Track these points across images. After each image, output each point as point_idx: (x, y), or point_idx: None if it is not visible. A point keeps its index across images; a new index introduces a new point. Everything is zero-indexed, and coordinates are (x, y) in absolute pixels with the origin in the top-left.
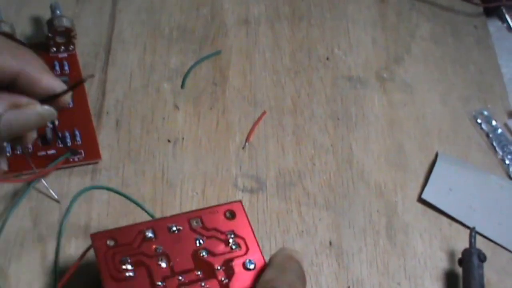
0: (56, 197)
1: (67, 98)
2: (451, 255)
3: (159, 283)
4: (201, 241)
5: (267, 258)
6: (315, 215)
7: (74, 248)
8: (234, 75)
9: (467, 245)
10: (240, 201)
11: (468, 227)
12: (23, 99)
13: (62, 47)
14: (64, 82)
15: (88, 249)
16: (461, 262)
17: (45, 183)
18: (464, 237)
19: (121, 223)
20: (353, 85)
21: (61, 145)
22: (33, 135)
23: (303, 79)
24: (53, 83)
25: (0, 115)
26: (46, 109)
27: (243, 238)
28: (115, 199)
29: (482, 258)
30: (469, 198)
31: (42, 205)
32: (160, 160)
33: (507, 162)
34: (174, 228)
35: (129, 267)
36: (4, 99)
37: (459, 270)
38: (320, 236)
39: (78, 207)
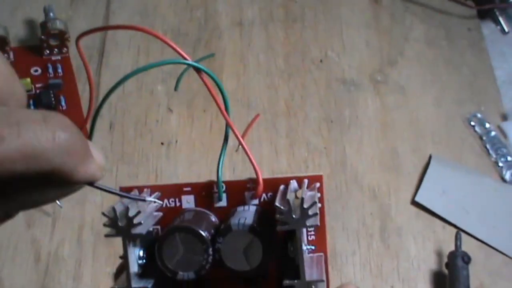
0: (58, 202)
1: (101, 177)
2: (444, 257)
3: None
4: None
5: None
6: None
7: (68, 251)
8: (228, 78)
9: None
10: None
11: (462, 230)
12: None
13: (56, 50)
14: (58, 84)
15: None
16: (448, 265)
17: None
18: (461, 239)
19: None
20: (346, 88)
21: None
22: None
23: (297, 81)
24: (89, 170)
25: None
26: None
27: None
28: (109, 201)
29: (466, 260)
30: (462, 200)
31: (36, 208)
32: (154, 163)
33: (500, 164)
34: None
35: None
36: None
37: None
38: None
39: (71, 210)
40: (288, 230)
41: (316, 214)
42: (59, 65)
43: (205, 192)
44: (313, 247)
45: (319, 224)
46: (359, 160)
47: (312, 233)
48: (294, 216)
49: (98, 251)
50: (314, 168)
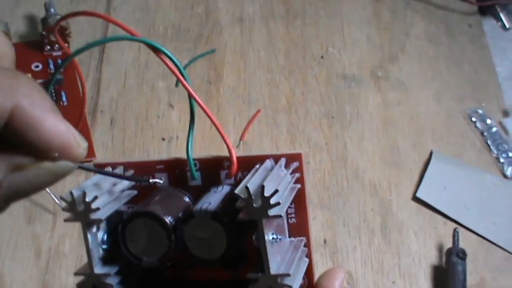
0: (54, 198)
1: (83, 151)
2: (445, 253)
3: None
4: None
5: None
6: (309, 214)
7: (69, 247)
8: (229, 74)
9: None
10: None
11: (462, 226)
12: (26, 159)
13: (57, 45)
14: (59, 80)
15: None
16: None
17: None
18: (459, 236)
19: None
20: (347, 84)
21: None
22: None
23: (298, 77)
24: (60, 128)
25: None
26: (61, 165)
27: None
28: None
29: (461, 255)
30: (463, 196)
31: (36, 204)
32: (155, 159)
33: (501, 160)
34: None
35: None
36: (1, 160)
37: None
38: (315, 235)
39: None
40: (249, 220)
41: (278, 203)
42: (60, 61)
43: (178, 170)
44: (280, 237)
45: (282, 215)
46: (360, 156)
47: (293, 216)
48: (254, 205)
49: None
50: (315, 164)
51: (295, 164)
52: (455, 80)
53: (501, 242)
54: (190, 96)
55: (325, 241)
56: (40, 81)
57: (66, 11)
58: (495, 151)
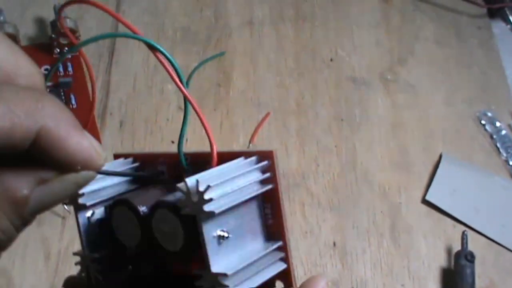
0: (66, 207)
1: (103, 162)
2: (454, 256)
3: None
4: None
5: None
6: (319, 216)
7: (78, 249)
8: (238, 76)
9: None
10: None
11: (471, 228)
12: (51, 173)
13: (66, 48)
14: (68, 83)
15: None
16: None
17: None
18: (467, 238)
19: None
20: (357, 87)
21: None
22: None
23: (307, 80)
24: (83, 144)
25: (26, 197)
26: (83, 176)
27: None
28: None
29: (470, 258)
30: (473, 199)
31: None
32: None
33: (511, 163)
34: None
35: None
36: (28, 175)
37: None
38: (324, 237)
39: None
40: (190, 214)
41: (211, 199)
42: (69, 64)
43: (175, 164)
44: (231, 235)
45: (215, 212)
46: (370, 159)
47: (270, 217)
48: (193, 200)
49: None
50: (325, 167)
51: (266, 163)
52: (465, 82)
53: (510, 244)
54: (184, 96)
55: (334, 244)
56: (48, 84)
57: (75, 15)
58: (504, 154)
